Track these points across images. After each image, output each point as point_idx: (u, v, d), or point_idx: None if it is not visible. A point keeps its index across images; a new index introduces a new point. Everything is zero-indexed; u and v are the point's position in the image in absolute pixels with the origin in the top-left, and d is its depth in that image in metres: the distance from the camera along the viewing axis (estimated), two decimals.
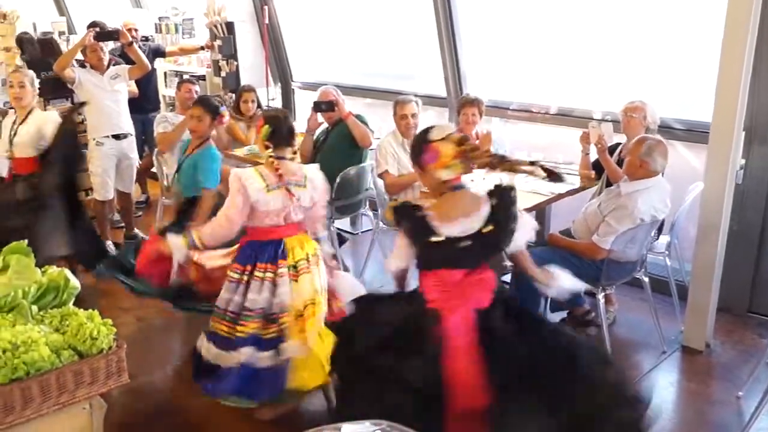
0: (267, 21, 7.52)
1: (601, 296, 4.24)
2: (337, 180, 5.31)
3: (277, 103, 7.87)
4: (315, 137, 5.78)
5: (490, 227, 2.89)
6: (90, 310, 2.79)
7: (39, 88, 5.40)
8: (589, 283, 4.29)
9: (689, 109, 5.15)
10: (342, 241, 6.04)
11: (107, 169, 6.13)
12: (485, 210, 2.91)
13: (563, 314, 4.67)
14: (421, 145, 2.94)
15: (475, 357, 2.81)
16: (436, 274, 2.95)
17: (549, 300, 4.31)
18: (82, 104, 6.00)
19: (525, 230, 3.02)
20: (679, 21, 5.17)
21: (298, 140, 6.03)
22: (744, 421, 3.74)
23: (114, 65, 6.44)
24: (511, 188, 2.96)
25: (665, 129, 4.90)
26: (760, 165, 4.62)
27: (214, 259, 3.77)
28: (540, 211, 4.97)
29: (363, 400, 2.82)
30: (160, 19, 8.32)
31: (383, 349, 2.87)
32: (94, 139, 6.08)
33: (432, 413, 2.74)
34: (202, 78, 7.81)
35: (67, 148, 5.24)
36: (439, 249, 2.91)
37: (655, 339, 4.49)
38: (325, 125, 5.77)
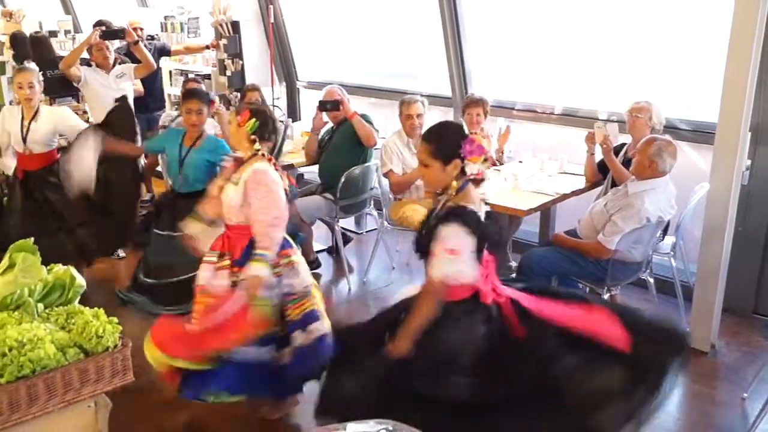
0: (272, 20, 7.53)
1: (606, 297, 4.23)
2: (342, 179, 5.32)
3: (282, 103, 7.87)
4: (320, 136, 5.79)
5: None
6: (95, 309, 2.79)
7: (45, 87, 5.43)
8: (594, 284, 4.30)
9: (695, 109, 5.14)
10: (346, 240, 6.06)
11: None
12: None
13: None
14: (459, 138, 2.89)
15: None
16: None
17: None
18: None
19: None
20: (685, 21, 5.16)
21: (303, 139, 6.09)
22: (749, 423, 3.74)
23: (120, 64, 6.45)
24: None
25: (671, 129, 4.90)
26: (766, 166, 4.61)
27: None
28: (545, 211, 4.97)
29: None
30: (165, 18, 8.32)
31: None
32: None
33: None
34: (208, 77, 7.81)
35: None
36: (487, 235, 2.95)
37: None
38: (330, 124, 5.78)
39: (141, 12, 9.23)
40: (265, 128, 3.56)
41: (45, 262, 2.92)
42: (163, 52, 7.64)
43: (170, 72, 8.35)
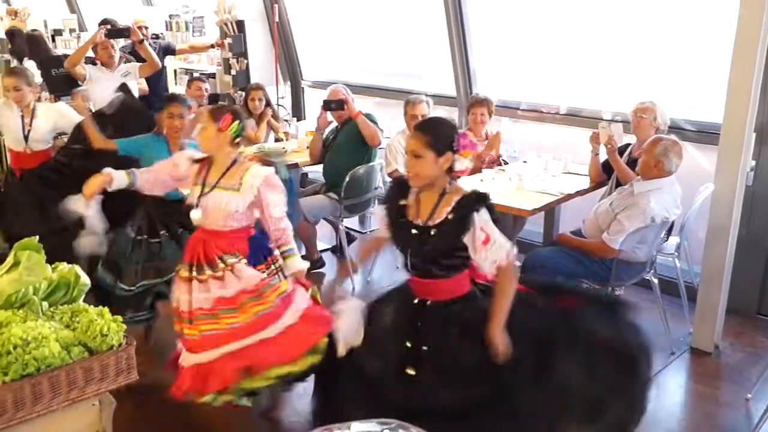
0: (277, 19, 7.53)
1: None
2: (347, 179, 5.32)
3: (287, 102, 7.88)
4: (324, 136, 5.79)
5: None
6: (100, 307, 2.79)
7: (50, 85, 5.44)
8: (598, 284, 4.29)
9: (699, 109, 5.13)
10: (351, 239, 6.06)
11: None
12: None
13: None
14: (453, 132, 2.94)
15: None
16: None
17: None
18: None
19: None
20: (690, 21, 5.15)
21: (307, 139, 6.10)
22: (753, 424, 3.73)
23: (124, 63, 6.47)
24: None
25: (675, 130, 4.89)
26: None
27: None
28: (549, 211, 4.96)
29: None
30: (170, 16, 8.34)
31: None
32: None
33: None
34: (212, 76, 7.83)
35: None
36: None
37: (663, 340, 4.47)
38: (335, 124, 5.78)
39: (146, 11, 9.25)
40: (244, 131, 3.54)
41: (50, 261, 2.93)
42: (167, 51, 7.66)
43: (175, 71, 8.36)
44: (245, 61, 7.50)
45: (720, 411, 3.93)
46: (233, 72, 7.52)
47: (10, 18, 9.08)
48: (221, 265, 3.41)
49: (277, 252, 3.55)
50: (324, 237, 6.18)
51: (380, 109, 6.40)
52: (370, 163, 5.59)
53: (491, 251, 2.84)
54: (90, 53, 6.42)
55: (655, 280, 4.45)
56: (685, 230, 4.59)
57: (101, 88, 6.06)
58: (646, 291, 4.62)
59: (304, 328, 3.39)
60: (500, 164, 5.38)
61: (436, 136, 2.89)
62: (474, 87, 6.32)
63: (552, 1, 5.90)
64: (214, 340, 3.35)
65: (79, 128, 5.05)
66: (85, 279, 2.97)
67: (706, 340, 4.46)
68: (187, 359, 3.43)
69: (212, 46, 7.72)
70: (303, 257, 3.81)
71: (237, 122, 3.43)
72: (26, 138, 5.12)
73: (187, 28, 8.20)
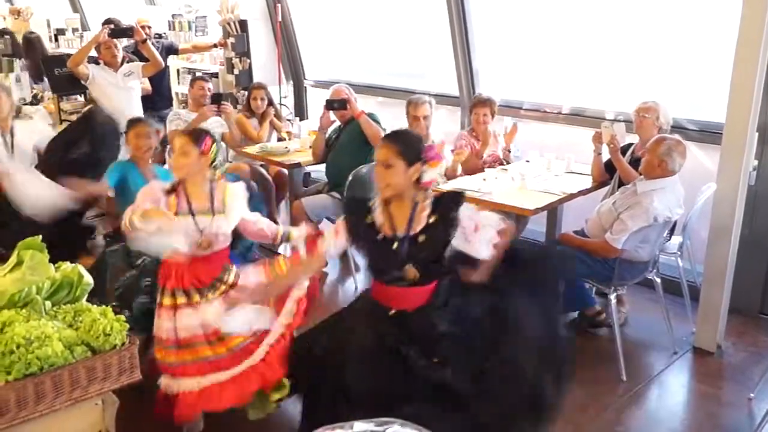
0: (280, 19, 7.54)
1: (612, 297, 4.23)
2: (349, 178, 5.32)
3: (290, 101, 7.89)
4: (327, 135, 5.79)
5: None
6: (103, 306, 2.80)
7: (52, 85, 5.43)
8: (601, 284, 4.30)
9: (702, 109, 5.13)
10: None
11: None
12: None
13: (574, 315, 4.66)
14: (421, 143, 3.00)
15: None
16: None
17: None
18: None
19: None
20: (693, 21, 5.15)
21: (310, 138, 6.10)
22: (755, 424, 3.73)
23: (127, 62, 6.47)
24: None
25: (678, 129, 4.89)
26: None
27: None
28: (552, 211, 4.96)
29: None
30: (173, 16, 8.34)
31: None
32: None
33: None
34: (215, 75, 7.83)
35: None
36: None
37: (666, 340, 4.48)
38: (338, 123, 5.78)
39: (149, 10, 9.26)
40: (219, 150, 3.48)
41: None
42: (170, 50, 7.67)
43: (178, 70, 8.37)
44: (248, 61, 7.50)
45: (722, 411, 3.93)
46: (236, 71, 7.53)
47: (13, 17, 9.09)
48: (221, 288, 3.40)
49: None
50: None
51: (383, 109, 6.39)
52: (373, 163, 5.57)
53: (483, 232, 2.93)
54: (93, 53, 6.43)
55: (658, 280, 4.45)
56: (688, 230, 4.59)
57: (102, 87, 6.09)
58: (649, 290, 4.62)
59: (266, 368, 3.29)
60: (502, 163, 5.38)
61: (406, 145, 2.95)
62: (477, 87, 6.31)
63: (555, 1, 5.90)
64: (203, 368, 3.29)
65: (53, 141, 4.75)
66: (88, 278, 2.98)
67: (708, 340, 4.46)
68: (177, 386, 3.35)
69: (215, 46, 7.73)
70: None
71: (214, 144, 3.36)
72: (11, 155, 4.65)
73: (190, 28, 8.21)
